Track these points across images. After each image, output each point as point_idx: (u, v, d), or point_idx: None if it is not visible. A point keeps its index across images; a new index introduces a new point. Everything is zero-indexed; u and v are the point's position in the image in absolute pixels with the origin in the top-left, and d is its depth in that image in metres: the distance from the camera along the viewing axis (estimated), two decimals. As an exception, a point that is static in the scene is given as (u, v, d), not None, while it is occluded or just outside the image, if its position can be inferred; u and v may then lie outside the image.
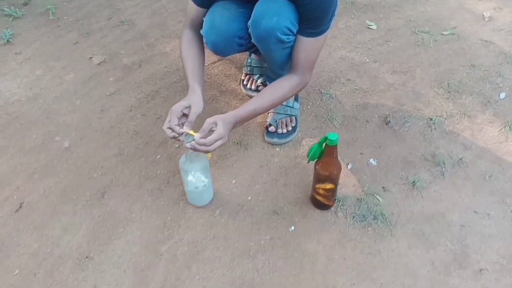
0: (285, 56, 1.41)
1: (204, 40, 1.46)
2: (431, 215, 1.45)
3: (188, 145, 1.24)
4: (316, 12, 1.29)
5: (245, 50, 1.56)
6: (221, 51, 1.50)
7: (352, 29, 2.18)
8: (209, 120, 1.27)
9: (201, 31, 1.44)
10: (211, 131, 1.27)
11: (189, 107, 1.29)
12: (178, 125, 1.26)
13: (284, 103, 1.64)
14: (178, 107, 1.28)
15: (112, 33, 2.17)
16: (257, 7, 1.35)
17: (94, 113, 1.78)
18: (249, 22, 1.37)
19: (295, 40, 1.37)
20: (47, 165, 1.60)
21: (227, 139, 1.29)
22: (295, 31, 1.34)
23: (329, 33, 1.39)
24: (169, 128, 1.25)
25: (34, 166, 1.60)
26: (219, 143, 1.26)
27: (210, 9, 1.44)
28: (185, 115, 1.30)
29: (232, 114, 1.32)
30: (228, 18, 1.41)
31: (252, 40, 1.41)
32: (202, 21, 1.44)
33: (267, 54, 1.44)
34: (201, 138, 1.24)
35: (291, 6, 1.31)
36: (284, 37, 1.33)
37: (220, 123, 1.27)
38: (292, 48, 1.39)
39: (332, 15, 1.34)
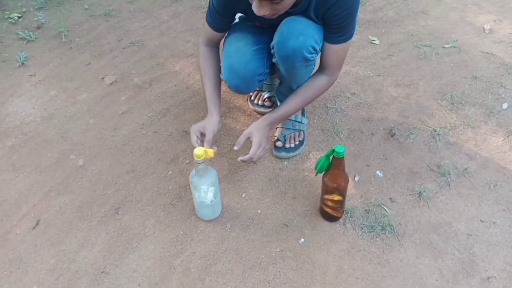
0: (306, 73, 1.48)
1: (226, 84, 1.57)
2: (438, 224, 1.48)
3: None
4: (347, 19, 1.33)
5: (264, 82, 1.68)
6: (243, 91, 1.61)
7: (355, 44, 2.23)
8: (244, 132, 1.45)
9: (221, 76, 1.55)
10: (249, 141, 1.46)
11: (204, 127, 1.45)
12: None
13: (292, 117, 1.68)
14: (195, 127, 1.46)
15: (122, 54, 2.24)
16: (281, 28, 1.39)
17: (107, 131, 1.84)
18: (273, 43, 1.42)
19: (318, 55, 1.43)
20: (63, 182, 1.65)
21: (267, 143, 1.48)
22: (318, 49, 1.40)
23: (356, 33, 1.42)
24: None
25: (50, 184, 1.65)
26: (260, 151, 1.42)
27: (226, 52, 1.52)
28: (203, 135, 1.45)
29: (265, 117, 1.49)
30: (245, 60, 1.49)
31: (274, 60, 1.45)
32: (219, 39, 1.55)
33: (289, 72, 1.47)
34: (238, 149, 1.46)
35: (314, 25, 1.37)
36: (309, 56, 1.38)
37: (255, 133, 1.45)
38: (313, 66, 1.47)
39: (357, 15, 1.37)
